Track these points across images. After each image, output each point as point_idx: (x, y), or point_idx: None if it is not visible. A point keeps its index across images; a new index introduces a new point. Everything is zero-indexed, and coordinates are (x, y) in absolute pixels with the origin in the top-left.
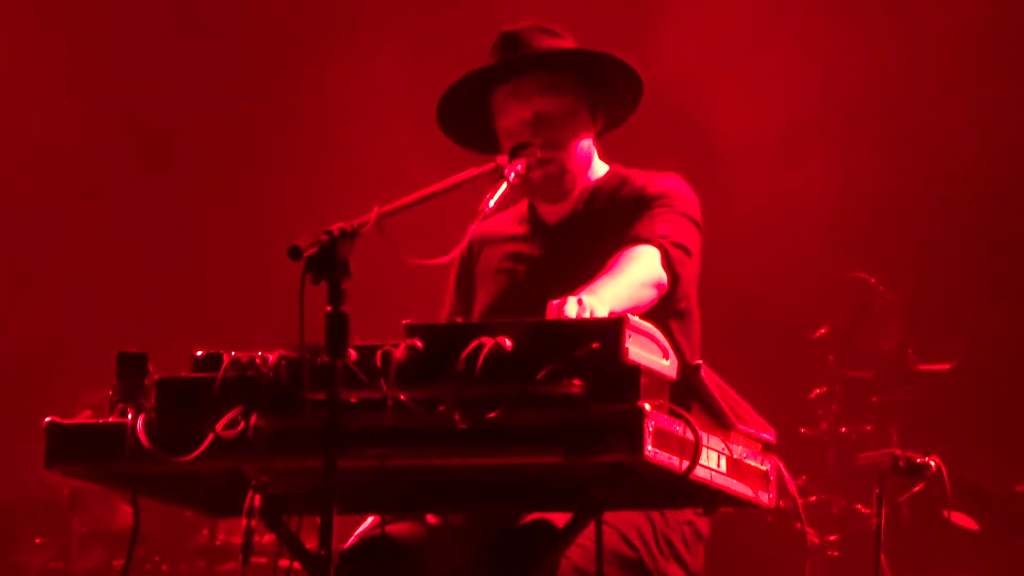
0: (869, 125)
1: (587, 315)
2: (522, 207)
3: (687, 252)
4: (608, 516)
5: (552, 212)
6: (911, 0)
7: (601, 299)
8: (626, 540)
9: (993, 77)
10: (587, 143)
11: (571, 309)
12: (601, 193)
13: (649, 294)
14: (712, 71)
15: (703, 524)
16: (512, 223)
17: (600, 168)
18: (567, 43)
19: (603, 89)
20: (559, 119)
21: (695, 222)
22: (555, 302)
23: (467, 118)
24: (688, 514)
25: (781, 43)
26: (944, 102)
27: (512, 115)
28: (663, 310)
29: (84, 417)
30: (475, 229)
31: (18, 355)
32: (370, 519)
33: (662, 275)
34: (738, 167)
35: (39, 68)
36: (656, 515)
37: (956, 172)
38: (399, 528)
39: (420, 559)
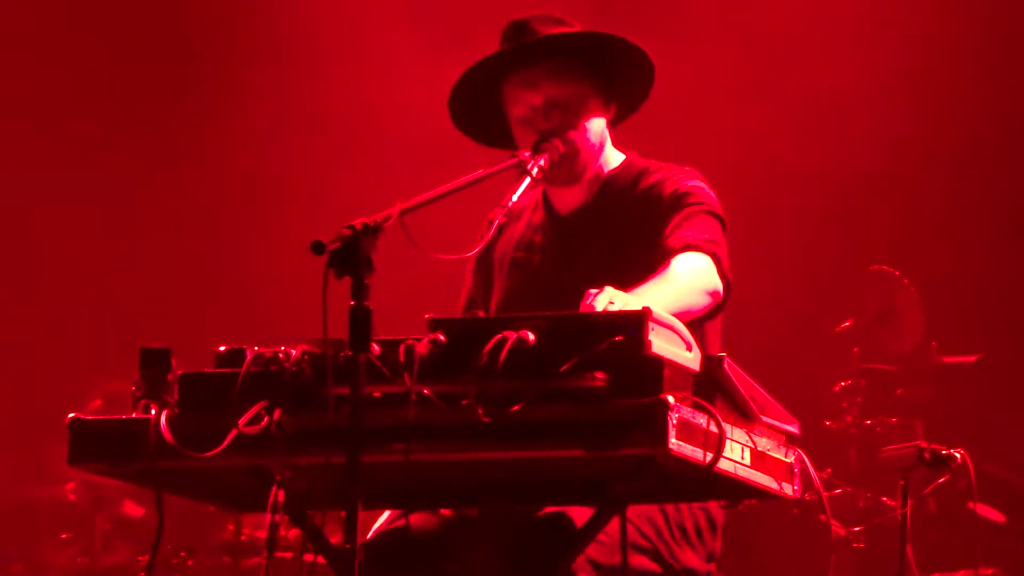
0: (896, 115)
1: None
2: (536, 193)
3: (727, 255)
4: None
5: (564, 202)
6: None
7: (643, 300)
8: (639, 531)
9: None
10: (599, 127)
11: (600, 302)
12: (615, 184)
13: (703, 301)
14: (733, 56)
15: (717, 512)
16: (528, 209)
17: (614, 157)
18: (575, 30)
19: (614, 75)
20: (570, 103)
21: (722, 221)
22: (593, 291)
23: (482, 112)
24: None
25: (803, 29)
26: (972, 92)
27: (523, 102)
28: None
29: (94, 407)
30: (493, 214)
31: (40, 350)
32: (387, 513)
33: (718, 284)
34: (759, 157)
35: (55, 54)
36: (668, 504)
37: (982, 163)
38: (421, 520)
39: (441, 552)
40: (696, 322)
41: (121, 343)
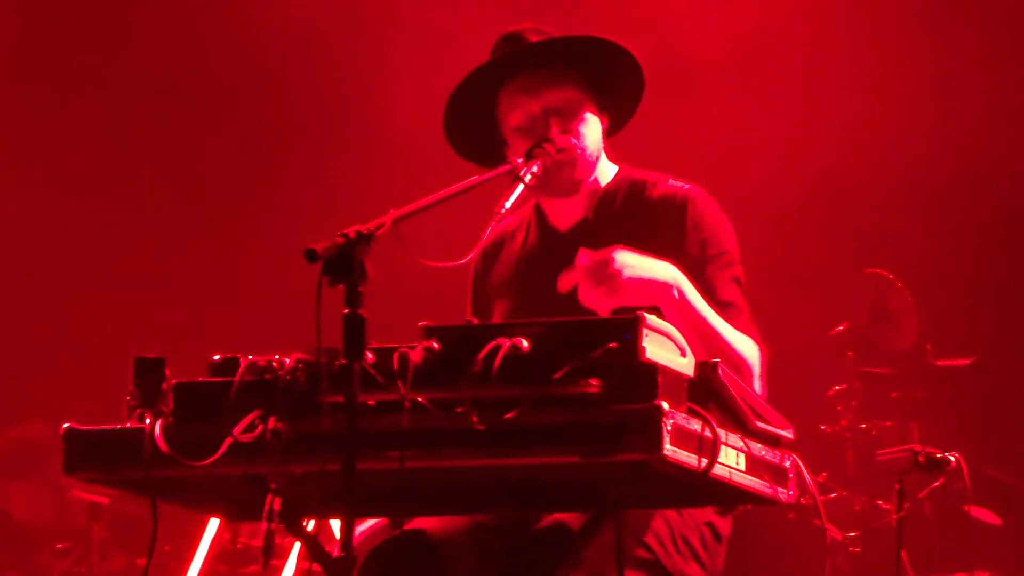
0: (889, 118)
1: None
2: (527, 211)
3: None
4: (623, 517)
5: (562, 218)
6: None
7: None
8: (641, 541)
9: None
10: (596, 135)
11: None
12: (612, 199)
13: (747, 357)
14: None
15: (723, 525)
16: (521, 228)
17: (608, 170)
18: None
19: (605, 82)
20: (568, 110)
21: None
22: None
23: (474, 129)
24: (707, 514)
25: (799, 34)
26: (967, 94)
27: (521, 110)
28: None
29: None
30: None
31: (35, 361)
32: (372, 521)
33: (754, 364)
34: (752, 161)
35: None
36: (673, 515)
37: (976, 165)
38: (424, 525)
39: (445, 557)
40: None
41: (112, 353)
